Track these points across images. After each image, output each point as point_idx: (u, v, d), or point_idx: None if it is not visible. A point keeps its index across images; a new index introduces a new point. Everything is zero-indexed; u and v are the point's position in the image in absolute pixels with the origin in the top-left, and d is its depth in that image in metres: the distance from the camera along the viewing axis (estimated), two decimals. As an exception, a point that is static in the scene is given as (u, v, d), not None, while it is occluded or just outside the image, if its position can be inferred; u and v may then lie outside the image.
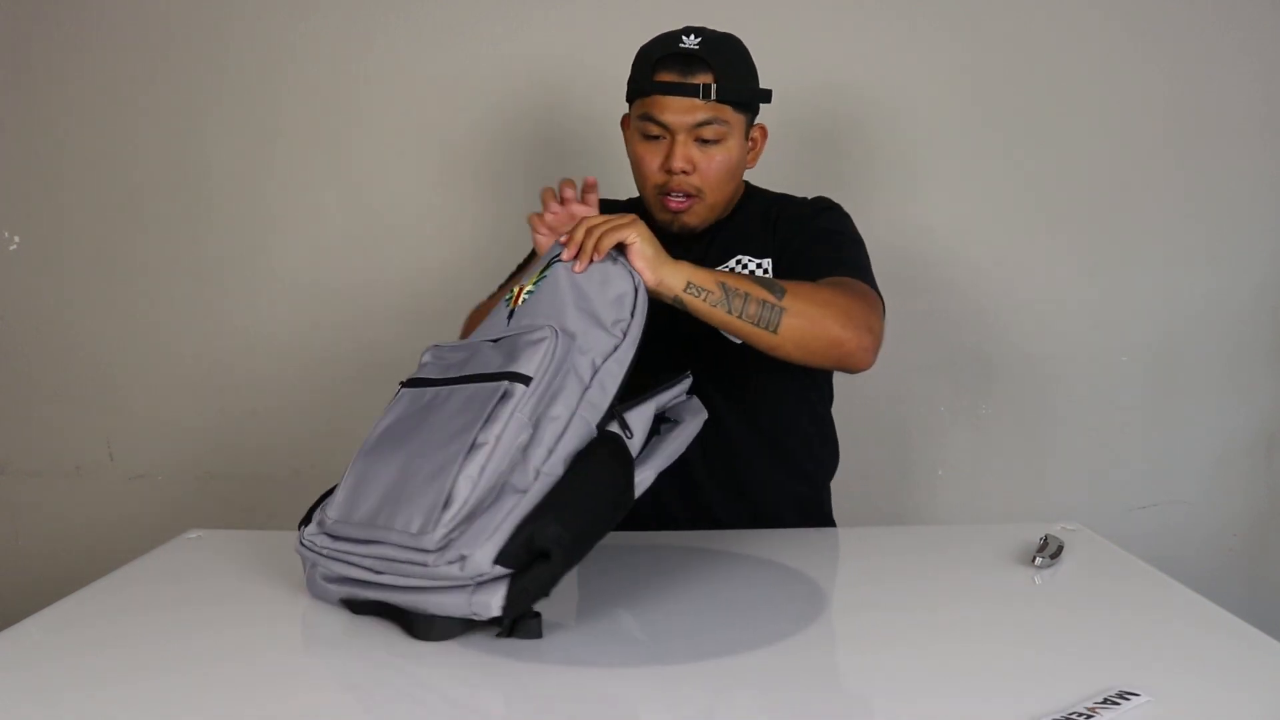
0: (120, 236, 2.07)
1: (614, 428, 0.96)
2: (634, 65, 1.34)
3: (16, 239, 2.08)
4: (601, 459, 0.93)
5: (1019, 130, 2.03)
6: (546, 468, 0.90)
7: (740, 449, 1.38)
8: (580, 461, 0.92)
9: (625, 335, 0.99)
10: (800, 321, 1.12)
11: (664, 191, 1.32)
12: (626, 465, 0.95)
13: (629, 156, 1.37)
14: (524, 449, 0.90)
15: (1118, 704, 0.78)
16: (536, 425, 0.91)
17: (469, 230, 2.05)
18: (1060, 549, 1.16)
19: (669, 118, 1.29)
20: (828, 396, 1.47)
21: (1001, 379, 2.07)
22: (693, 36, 1.30)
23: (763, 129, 1.39)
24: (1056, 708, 0.77)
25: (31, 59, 2.04)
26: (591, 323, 1.00)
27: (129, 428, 2.12)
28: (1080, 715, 0.76)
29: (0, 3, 2.03)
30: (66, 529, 2.13)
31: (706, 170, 1.31)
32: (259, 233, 2.06)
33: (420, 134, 2.04)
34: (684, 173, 1.30)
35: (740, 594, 1.08)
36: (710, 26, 1.34)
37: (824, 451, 1.48)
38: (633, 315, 1.01)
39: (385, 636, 0.93)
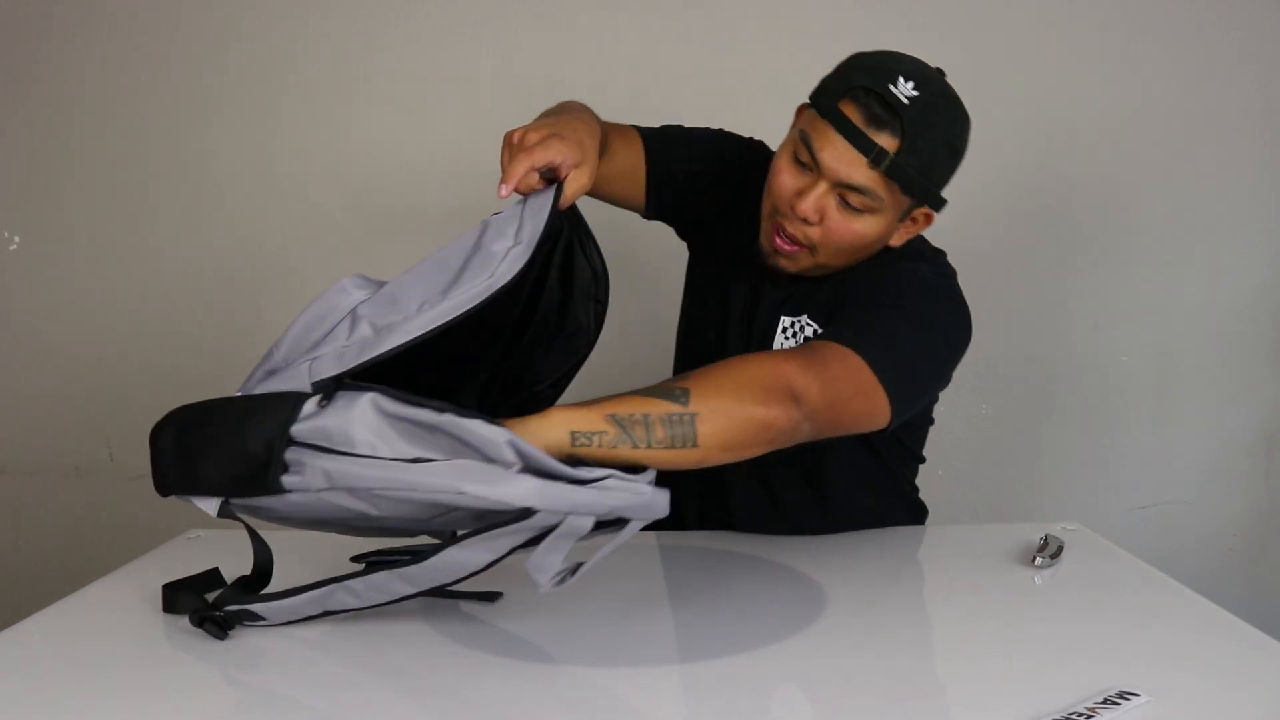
0: (120, 236, 2.07)
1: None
2: (838, 67, 1.14)
3: (16, 239, 2.08)
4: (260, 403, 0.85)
5: (1019, 129, 2.03)
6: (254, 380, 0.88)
7: (789, 508, 1.28)
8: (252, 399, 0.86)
9: (417, 311, 0.84)
10: (719, 420, 0.90)
11: (779, 223, 1.14)
12: (269, 427, 0.84)
13: (775, 155, 1.18)
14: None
15: (1118, 704, 0.78)
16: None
17: (469, 229, 2.04)
18: (1060, 549, 1.16)
19: (825, 158, 1.09)
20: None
21: (1002, 379, 2.07)
22: (910, 84, 1.06)
23: (929, 215, 1.18)
24: (1056, 708, 0.77)
25: (31, 59, 2.04)
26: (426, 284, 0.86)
27: (129, 428, 2.11)
28: (1080, 715, 0.76)
29: (0, 3, 2.03)
30: (66, 529, 2.13)
31: (833, 233, 1.11)
32: (259, 233, 2.06)
33: (420, 133, 2.04)
34: (806, 221, 1.12)
35: (740, 594, 1.08)
36: (916, 57, 1.12)
37: (880, 475, 1.32)
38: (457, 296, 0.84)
39: (387, 631, 0.93)
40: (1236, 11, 2.02)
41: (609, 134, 1.24)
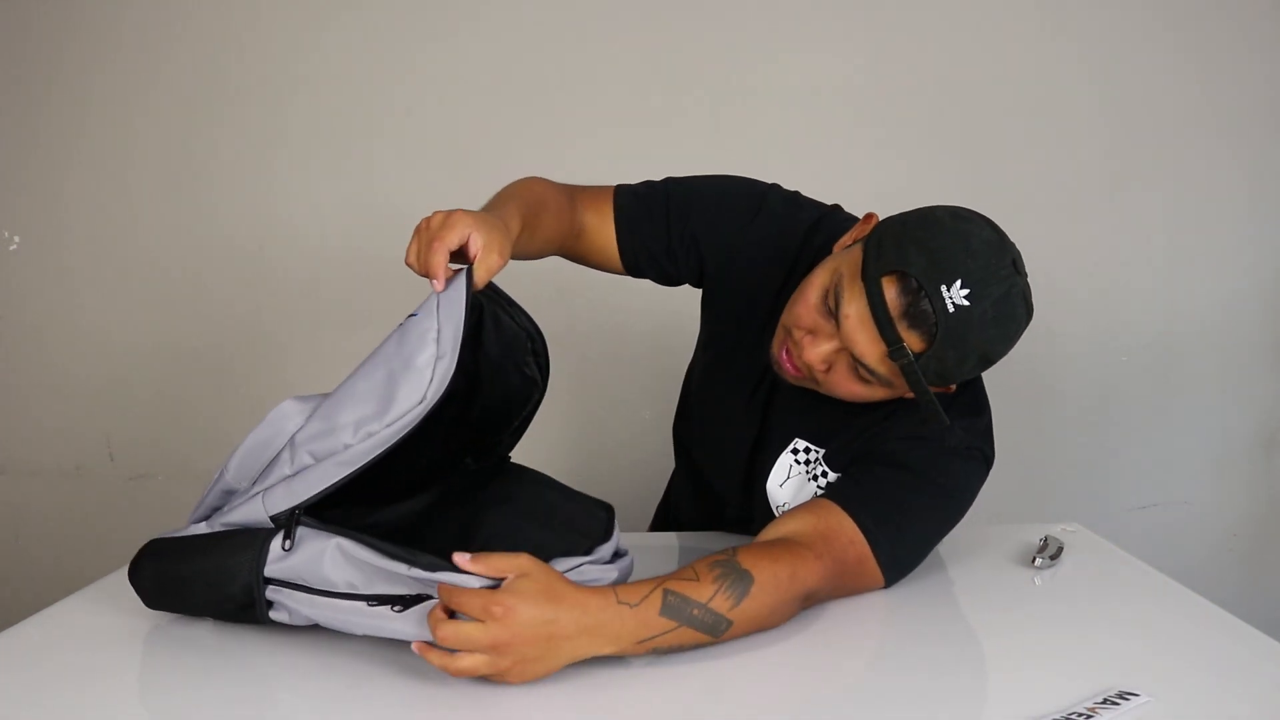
0: (120, 236, 2.07)
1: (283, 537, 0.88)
2: (911, 222, 1.02)
3: (16, 239, 2.08)
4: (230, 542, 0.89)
5: (1019, 129, 2.04)
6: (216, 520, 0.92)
7: None
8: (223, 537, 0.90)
9: (367, 439, 0.85)
10: (740, 631, 0.92)
11: (789, 345, 1.08)
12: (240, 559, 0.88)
13: (817, 268, 1.08)
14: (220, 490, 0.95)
15: (1118, 704, 0.78)
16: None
17: (469, 230, 2.05)
18: (1060, 549, 1.16)
19: (847, 327, 1.01)
20: None
21: (1002, 379, 2.06)
22: (965, 291, 0.96)
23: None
24: (1056, 708, 0.77)
25: (31, 59, 2.04)
26: (356, 399, 0.87)
27: (129, 428, 2.12)
28: (1080, 715, 0.76)
29: (0, 3, 2.03)
30: (66, 529, 2.13)
31: (836, 385, 1.06)
32: (259, 233, 2.06)
33: (420, 133, 2.04)
34: (812, 368, 1.06)
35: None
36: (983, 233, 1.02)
37: None
38: (391, 425, 0.85)
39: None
40: (1238, 11, 2.03)
41: (578, 203, 1.22)
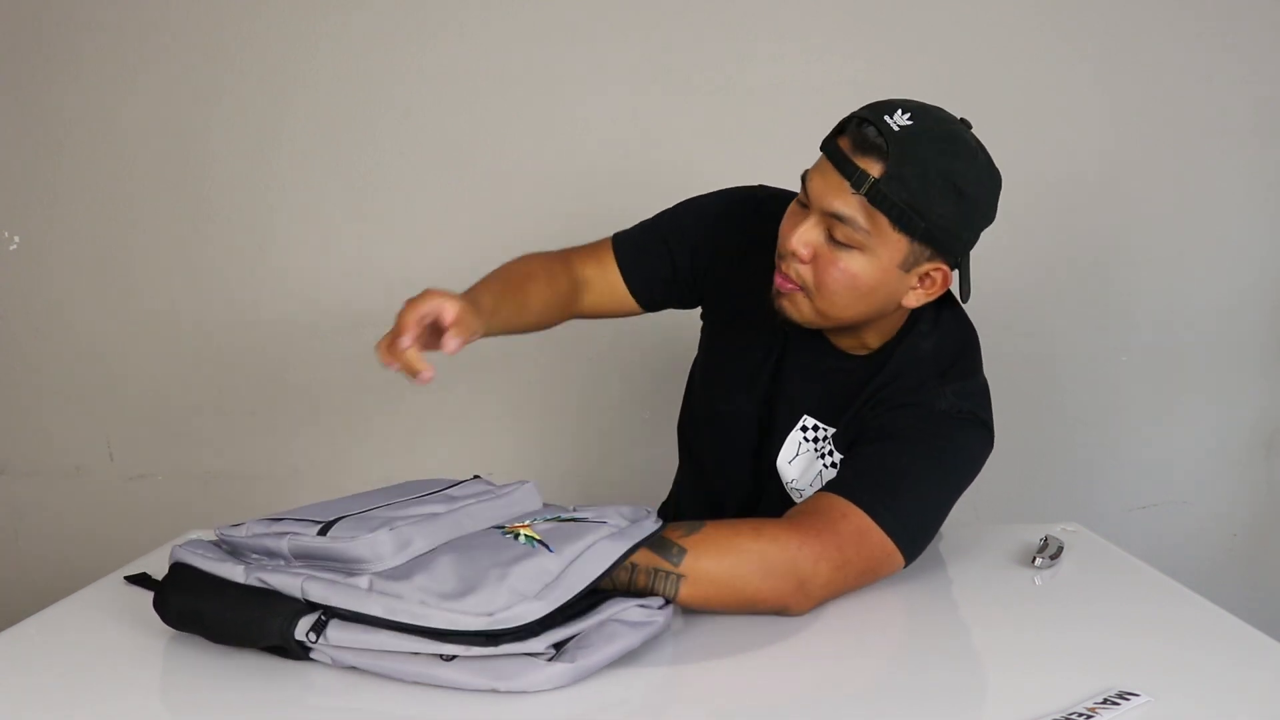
0: (120, 236, 2.07)
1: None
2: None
3: (16, 239, 2.08)
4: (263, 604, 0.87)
5: (1019, 129, 2.03)
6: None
7: None
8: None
9: (420, 605, 0.82)
10: (706, 587, 0.93)
11: (779, 262, 1.10)
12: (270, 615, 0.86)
13: None
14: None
15: (1118, 704, 0.78)
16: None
17: (469, 229, 2.05)
18: (1060, 549, 1.16)
19: (812, 187, 1.06)
20: None
21: (1001, 379, 2.06)
22: (906, 115, 1.02)
23: (945, 273, 1.09)
24: (1056, 708, 0.77)
25: (31, 59, 2.04)
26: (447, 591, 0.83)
27: (129, 428, 2.12)
28: (1080, 715, 0.76)
29: (0, 3, 2.03)
30: (66, 529, 2.13)
31: (822, 273, 1.06)
32: (259, 233, 2.06)
33: (420, 132, 2.04)
34: (796, 256, 1.07)
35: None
36: (918, 100, 1.08)
37: None
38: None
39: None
40: (1236, 12, 2.02)
41: (573, 263, 1.27)
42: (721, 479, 1.29)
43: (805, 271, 1.07)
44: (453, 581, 0.83)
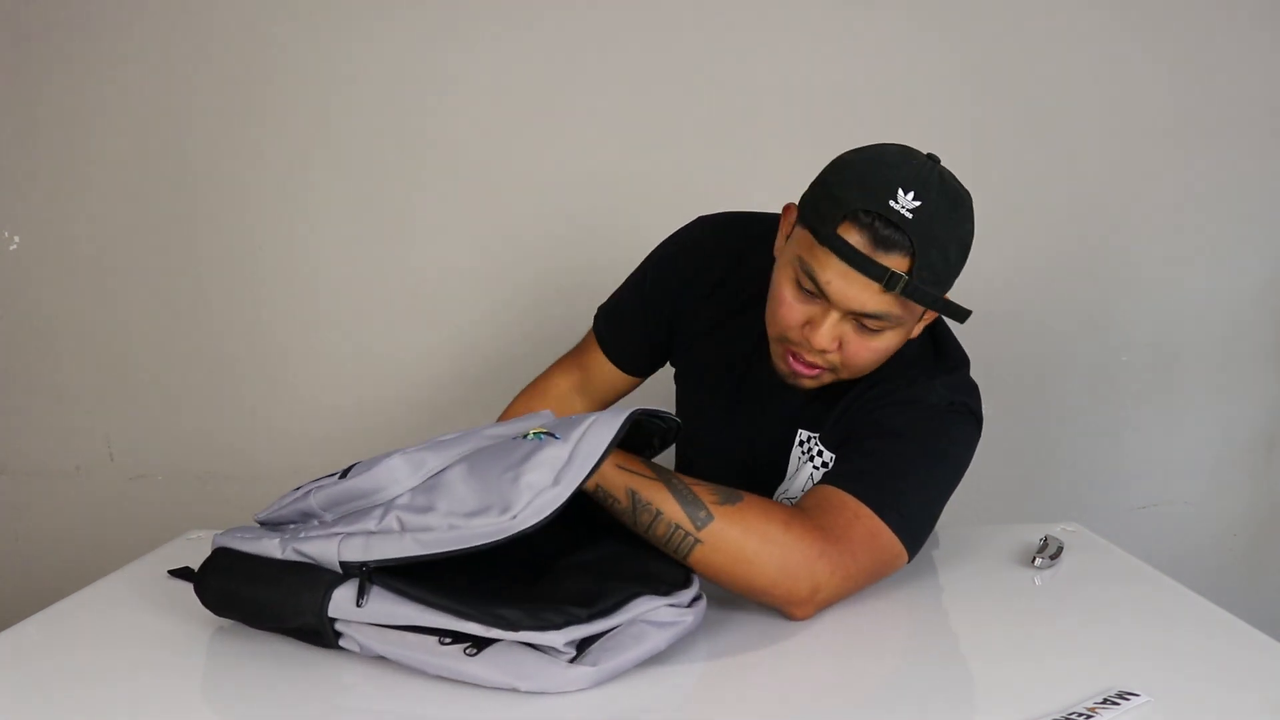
0: (120, 236, 2.07)
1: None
2: (828, 177, 1.05)
3: (16, 239, 2.08)
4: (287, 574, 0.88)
5: (1019, 129, 2.03)
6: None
7: None
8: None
9: (450, 530, 0.83)
10: (719, 558, 0.93)
11: (794, 350, 1.08)
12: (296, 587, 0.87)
13: (774, 276, 1.10)
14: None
15: (1117, 704, 0.78)
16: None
17: (468, 228, 2.05)
18: (1060, 549, 1.16)
19: (834, 290, 1.02)
20: None
21: (1001, 379, 2.07)
22: (910, 196, 0.98)
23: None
24: (1056, 708, 0.77)
25: (31, 60, 2.04)
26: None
27: (129, 428, 2.12)
28: (1080, 715, 0.76)
29: (0, 4, 2.03)
30: (66, 529, 2.13)
31: (854, 356, 1.06)
32: (258, 232, 2.06)
33: (419, 132, 2.04)
34: (823, 351, 1.06)
35: (736, 596, 1.07)
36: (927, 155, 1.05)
37: None
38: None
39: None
40: (1237, 11, 2.02)
41: (565, 367, 1.37)
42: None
43: (833, 358, 1.07)
44: (472, 501, 0.83)
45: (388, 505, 0.87)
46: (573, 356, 1.39)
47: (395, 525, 0.85)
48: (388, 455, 0.89)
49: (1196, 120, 2.04)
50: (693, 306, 1.27)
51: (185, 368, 2.09)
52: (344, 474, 0.91)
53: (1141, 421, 2.10)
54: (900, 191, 0.98)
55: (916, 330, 1.11)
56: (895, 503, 1.01)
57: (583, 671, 0.82)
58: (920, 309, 1.05)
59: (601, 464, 0.84)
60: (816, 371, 1.08)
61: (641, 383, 1.40)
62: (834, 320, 1.03)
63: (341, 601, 0.85)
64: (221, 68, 2.03)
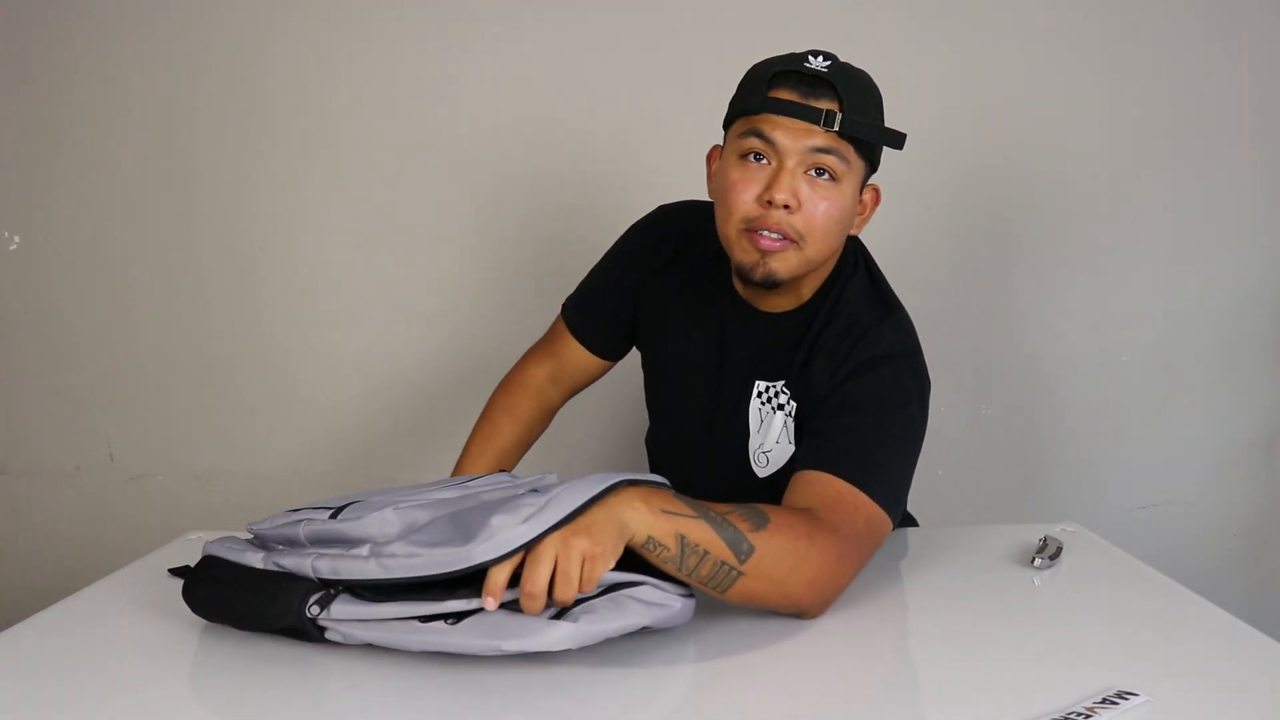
0: (120, 236, 2.07)
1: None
2: (741, 85, 1.16)
3: (16, 239, 2.08)
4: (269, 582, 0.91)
5: (1018, 129, 2.04)
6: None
7: None
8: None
9: (410, 557, 0.84)
10: (759, 586, 0.93)
11: (755, 227, 1.11)
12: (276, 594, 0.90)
13: (714, 190, 1.17)
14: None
15: (1117, 704, 0.78)
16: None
17: (467, 228, 2.05)
18: (1060, 550, 1.16)
19: (780, 136, 1.08)
20: None
21: (1001, 379, 2.07)
22: (820, 59, 1.09)
23: (875, 192, 1.19)
24: (1056, 708, 0.77)
25: (31, 60, 2.04)
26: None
27: (129, 428, 2.12)
28: (1080, 715, 0.76)
29: (0, 4, 2.03)
30: (66, 529, 2.13)
31: (812, 213, 1.10)
32: (258, 232, 2.06)
33: (419, 132, 2.04)
34: (786, 207, 1.09)
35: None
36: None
37: None
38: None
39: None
40: (1232, 13, 2.03)
41: (537, 356, 1.44)
42: (695, 471, 1.29)
43: (796, 221, 1.10)
44: (439, 537, 0.85)
45: (369, 546, 0.88)
46: (544, 346, 1.44)
47: (364, 553, 0.86)
48: (380, 507, 0.90)
49: (1196, 120, 2.04)
50: (650, 280, 1.33)
51: (185, 368, 2.09)
52: (337, 513, 0.92)
53: (1141, 421, 2.10)
54: (808, 58, 1.10)
55: (858, 223, 1.18)
56: (879, 477, 1.05)
57: (565, 629, 0.81)
58: (858, 170, 1.12)
59: (577, 515, 0.84)
60: (782, 244, 1.11)
61: (612, 367, 1.44)
62: (790, 171, 1.09)
63: (314, 602, 0.88)
64: (222, 68, 2.03)
